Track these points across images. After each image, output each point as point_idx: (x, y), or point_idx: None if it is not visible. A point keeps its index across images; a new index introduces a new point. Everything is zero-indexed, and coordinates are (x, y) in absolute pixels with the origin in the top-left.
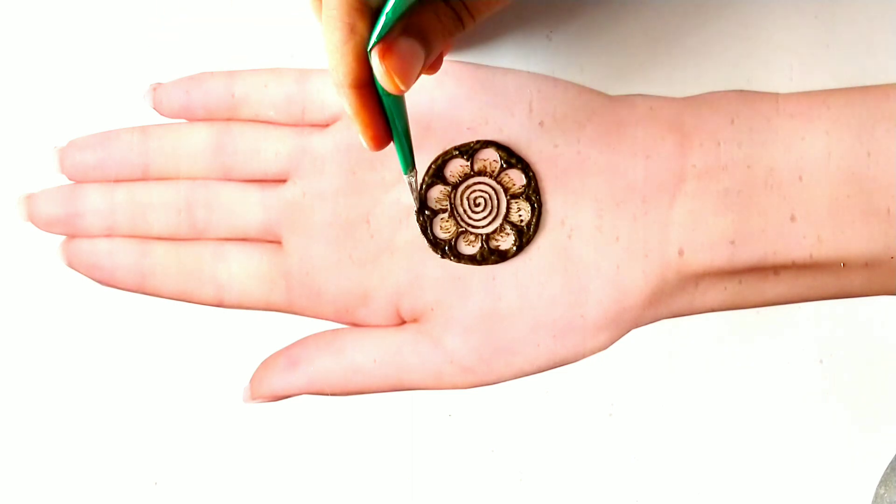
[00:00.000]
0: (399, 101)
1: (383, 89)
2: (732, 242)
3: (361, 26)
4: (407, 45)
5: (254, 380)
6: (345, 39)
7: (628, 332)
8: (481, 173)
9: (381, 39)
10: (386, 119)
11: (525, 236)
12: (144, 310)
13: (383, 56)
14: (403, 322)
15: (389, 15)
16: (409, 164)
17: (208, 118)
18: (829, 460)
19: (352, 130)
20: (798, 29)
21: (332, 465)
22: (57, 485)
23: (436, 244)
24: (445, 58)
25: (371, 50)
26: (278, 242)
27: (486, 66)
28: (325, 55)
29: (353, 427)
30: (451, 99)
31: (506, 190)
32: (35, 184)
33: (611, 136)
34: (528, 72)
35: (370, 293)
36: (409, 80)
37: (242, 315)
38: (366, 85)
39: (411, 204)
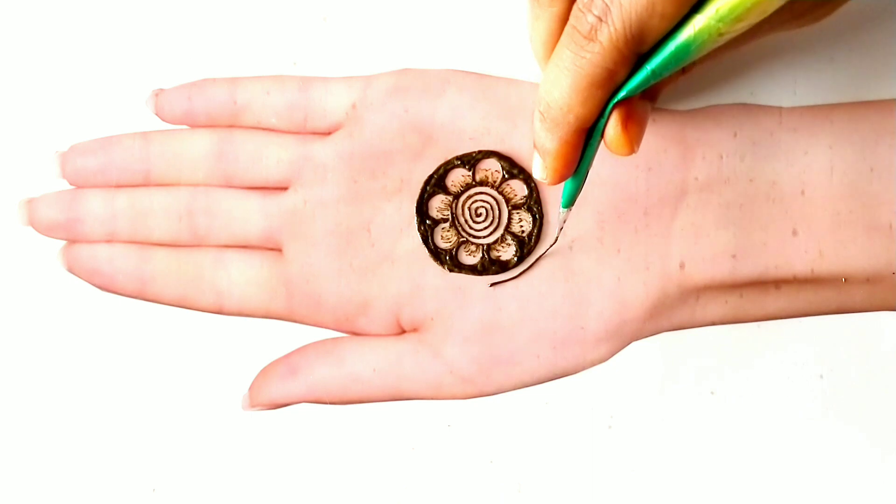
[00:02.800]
0: (598, 144)
1: (598, 134)
2: (734, 256)
3: (622, 75)
4: (643, 108)
5: (253, 387)
6: (598, 84)
7: (629, 344)
8: (483, 183)
9: (621, 101)
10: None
11: (526, 247)
12: (144, 316)
13: (626, 122)
14: (403, 331)
15: (655, 74)
16: (573, 201)
17: (210, 125)
18: (828, 475)
19: (354, 139)
20: (802, 43)
21: (330, 474)
22: (56, 491)
23: (437, 254)
24: (448, 67)
25: (613, 108)
26: (279, 250)
27: (490, 75)
28: (547, 84)
29: (352, 436)
30: (453, 108)
31: (507, 200)
32: (35, 188)
33: None
34: (532, 82)
35: (370, 302)
36: (639, 143)
37: (242, 322)
38: (587, 129)
39: (412, 213)
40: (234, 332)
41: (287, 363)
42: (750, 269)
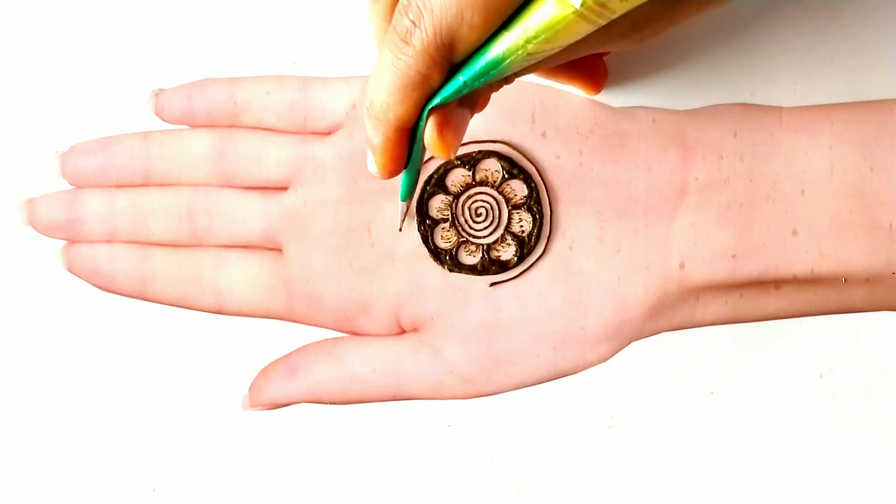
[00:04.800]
0: (423, 144)
1: (421, 132)
2: (734, 256)
3: (435, 80)
4: (461, 114)
5: (253, 387)
6: (413, 87)
7: (629, 344)
8: (483, 183)
9: (438, 106)
10: (406, 154)
11: (526, 247)
12: (144, 316)
13: (441, 127)
14: (403, 331)
15: (467, 85)
16: (411, 192)
17: (210, 125)
18: (828, 475)
19: (354, 139)
20: (802, 43)
21: (330, 473)
22: (56, 491)
23: (437, 254)
24: None
25: (429, 113)
26: (279, 250)
27: None
28: (370, 84)
29: (351, 436)
30: None
31: (507, 200)
32: (36, 188)
33: (613, 148)
34: (532, 83)
35: (370, 302)
36: (457, 148)
37: (242, 322)
38: (409, 127)
39: (412, 213)
40: (234, 332)
41: (287, 363)
42: (750, 269)
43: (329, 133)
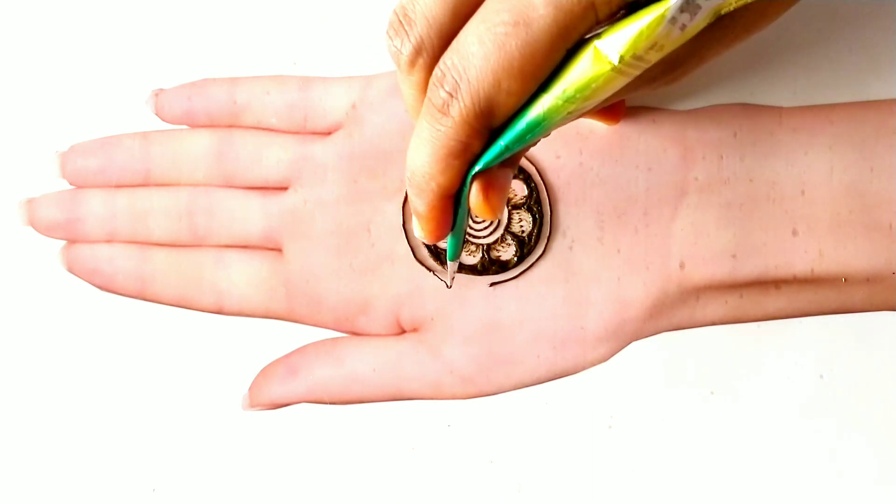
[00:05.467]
0: (468, 208)
1: (465, 196)
2: (734, 256)
3: (476, 147)
4: (503, 175)
5: (253, 387)
6: (454, 156)
7: (629, 344)
8: None
9: (481, 171)
10: (451, 218)
11: (526, 247)
12: (144, 316)
13: (486, 190)
14: (403, 331)
15: (509, 148)
16: (457, 254)
17: (210, 125)
18: (828, 475)
19: (354, 139)
20: (802, 43)
21: (330, 474)
22: (55, 491)
23: (437, 254)
24: None
25: (473, 178)
26: (279, 250)
27: None
28: (410, 152)
29: (351, 436)
30: None
31: (507, 200)
32: (36, 188)
33: (613, 148)
34: None
35: (370, 302)
36: (502, 209)
37: (242, 322)
38: (453, 194)
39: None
40: (234, 332)
41: (287, 363)
42: (750, 269)
43: (329, 133)
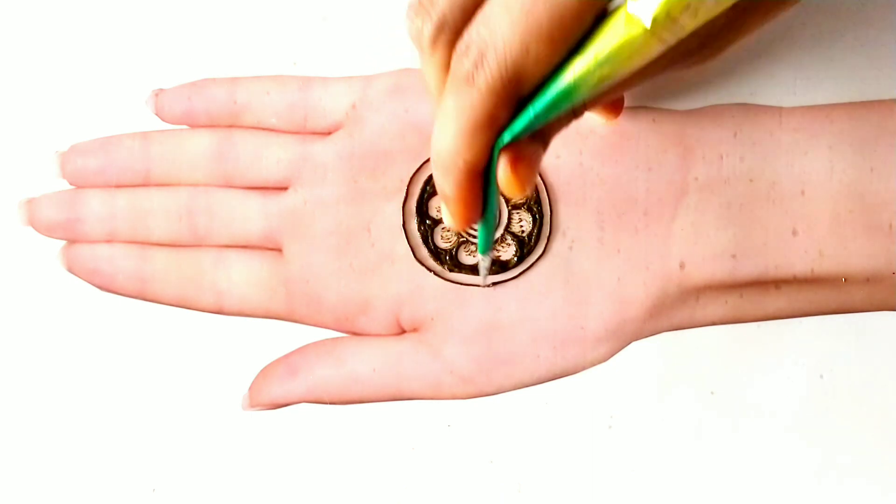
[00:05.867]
0: (497, 187)
1: (494, 176)
2: (734, 256)
3: (503, 118)
4: (533, 150)
5: (253, 387)
6: (481, 128)
7: (629, 344)
8: None
9: (509, 144)
10: (481, 201)
11: (526, 247)
12: (144, 316)
13: (513, 164)
14: (403, 331)
15: (539, 118)
16: (489, 247)
17: (210, 125)
18: (828, 475)
19: (354, 139)
20: (802, 43)
21: (330, 474)
22: (55, 491)
23: (437, 254)
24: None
25: (500, 152)
26: (279, 250)
27: None
28: (436, 130)
29: (351, 436)
30: None
31: (507, 200)
32: (35, 188)
33: (613, 148)
34: None
35: (370, 302)
36: (532, 185)
37: (242, 322)
38: (481, 172)
39: (411, 213)
40: (234, 332)
41: (287, 363)
42: (750, 269)
43: (329, 133)
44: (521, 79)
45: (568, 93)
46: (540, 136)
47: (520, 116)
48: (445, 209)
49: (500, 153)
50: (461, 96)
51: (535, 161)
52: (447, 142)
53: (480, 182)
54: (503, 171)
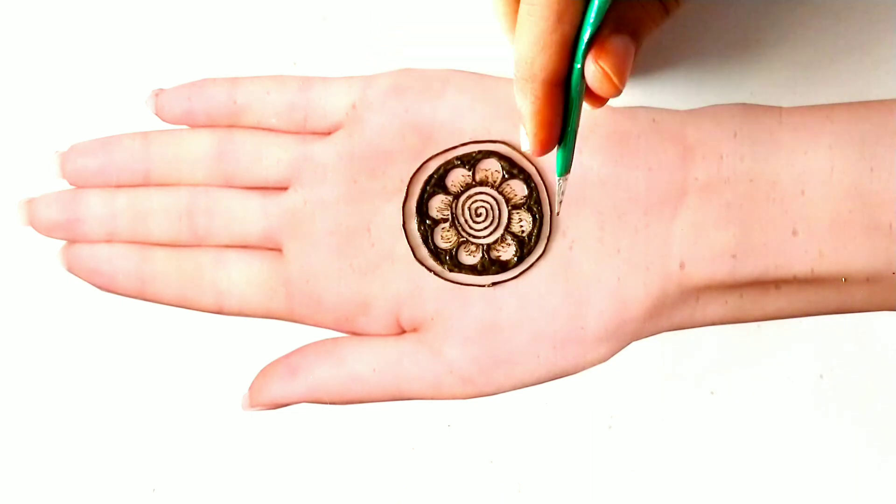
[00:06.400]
0: (581, 103)
1: (574, 91)
2: (734, 256)
3: (571, 14)
4: (621, 42)
5: (253, 387)
6: (551, 29)
7: (628, 344)
8: (483, 183)
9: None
10: (560, 122)
11: (526, 247)
12: (144, 316)
13: (598, 56)
14: (403, 331)
15: (602, 4)
16: (568, 167)
17: (210, 125)
18: (828, 475)
19: (354, 139)
20: (802, 42)
21: (330, 473)
22: (55, 491)
23: (437, 254)
24: (448, 67)
25: (584, 55)
26: (279, 250)
27: (490, 75)
28: (514, 44)
29: (351, 436)
30: (453, 108)
31: (507, 200)
32: (35, 188)
33: (613, 148)
34: None
35: (370, 302)
36: (625, 80)
37: (242, 322)
38: (560, 83)
39: (411, 213)
40: (235, 333)
41: (287, 363)
42: (750, 269)
43: (329, 133)
44: None
45: None
46: (628, 29)
47: (589, 8)
48: (523, 133)
49: (585, 52)
50: (526, 3)
51: (624, 53)
52: (523, 51)
53: (559, 96)
54: (590, 66)
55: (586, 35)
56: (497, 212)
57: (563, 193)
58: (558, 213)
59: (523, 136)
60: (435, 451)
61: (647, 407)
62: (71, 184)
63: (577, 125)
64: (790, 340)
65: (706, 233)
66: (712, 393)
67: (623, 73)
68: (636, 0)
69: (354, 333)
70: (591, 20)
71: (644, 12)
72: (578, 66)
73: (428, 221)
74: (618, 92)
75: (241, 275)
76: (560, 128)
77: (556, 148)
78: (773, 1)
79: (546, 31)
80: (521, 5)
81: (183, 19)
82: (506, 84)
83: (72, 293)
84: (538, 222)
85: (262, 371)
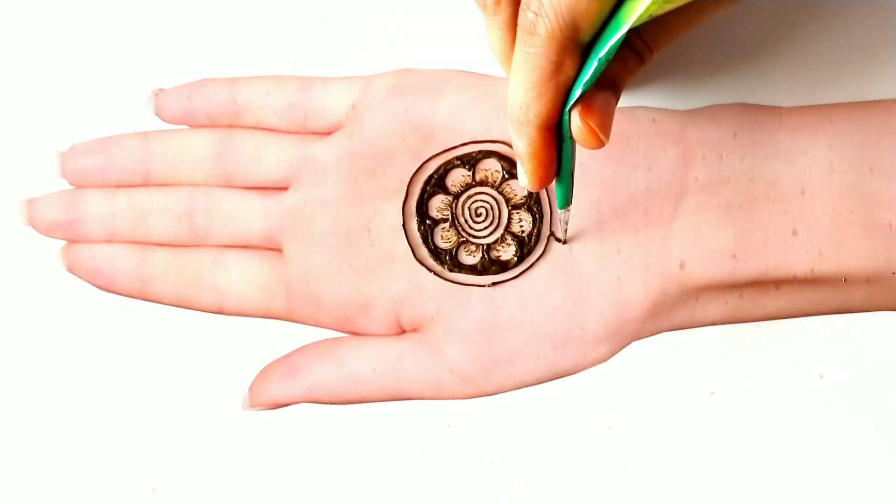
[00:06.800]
0: (575, 145)
1: (567, 134)
2: (734, 256)
3: (569, 66)
4: (604, 99)
5: (253, 387)
6: (548, 77)
7: (628, 344)
8: (483, 183)
9: (583, 96)
10: (556, 161)
11: (526, 247)
12: (144, 316)
13: (584, 114)
14: (403, 331)
15: (602, 64)
16: (569, 200)
17: (210, 125)
18: (828, 475)
19: (354, 139)
20: (802, 43)
21: (330, 474)
22: (56, 491)
23: (437, 254)
24: (448, 67)
25: (571, 107)
26: (279, 250)
27: (490, 75)
28: (509, 88)
29: (351, 436)
30: (453, 108)
31: (507, 200)
32: (36, 188)
33: (613, 148)
34: None
35: (370, 302)
36: (608, 134)
37: (242, 322)
38: (553, 127)
39: (411, 213)
40: (235, 333)
41: (287, 363)
42: (750, 269)
43: (329, 133)
44: (578, 22)
45: (622, 27)
46: (610, 84)
47: (585, 67)
48: (521, 169)
49: (571, 108)
50: (526, 47)
51: (607, 109)
52: (518, 96)
53: (553, 139)
54: (576, 122)
55: (577, 92)
56: (497, 212)
57: (567, 223)
58: (565, 242)
59: (521, 173)
60: (435, 451)
61: (647, 407)
62: (71, 184)
63: (573, 163)
64: (790, 341)
65: (706, 233)
66: (712, 393)
67: (607, 128)
68: (616, 57)
69: (354, 333)
70: (586, 80)
71: (622, 65)
72: (567, 111)
73: (428, 221)
74: (602, 145)
75: (241, 275)
76: (556, 166)
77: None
78: (773, 2)
79: (542, 80)
80: (517, 50)
81: (183, 19)
82: (505, 84)
83: (72, 293)
84: (538, 222)
85: (262, 371)
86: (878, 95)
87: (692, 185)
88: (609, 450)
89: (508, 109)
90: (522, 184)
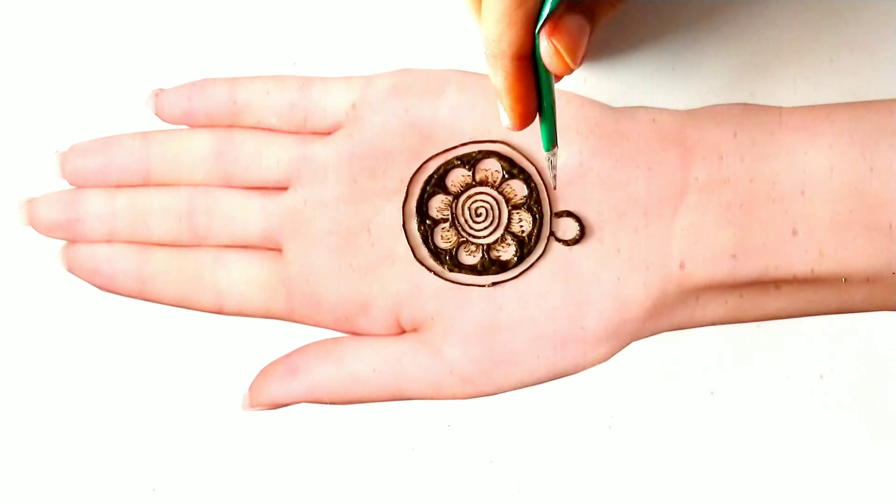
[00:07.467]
0: (552, 76)
1: (542, 64)
2: (734, 256)
3: None
4: (574, 21)
5: (253, 387)
6: (515, 6)
7: (628, 344)
8: (483, 183)
9: (548, 16)
10: (535, 96)
11: (526, 247)
12: (144, 316)
13: (552, 34)
14: (403, 331)
15: None
16: (554, 141)
17: (210, 125)
18: (828, 475)
19: (354, 139)
20: (802, 42)
21: (330, 474)
22: (56, 491)
23: (436, 254)
24: (448, 67)
25: (539, 28)
26: (279, 250)
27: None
28: (481, 24)
29: (351, 436)
30: (453, 108)
31: (507, 200)
32: (35, 188)
33: (613, 148)
34: None
35: (370, 302)
36: (577, 58)
37: (242, 322)
38: (527, 57)
39: (411, 213)
40: (235, 333)
41: (287, 363)
42: (750, 269)
43: (329, 133)
44: None
45: None
46: (583, 8)
47: None
48: (502, 109)
49: (539, 29)
50: None
51: (578, 33)
52: (490, 29)
53: (529, 70)
54: (544, 44)
55: (545, 12)
56: (497, 212)
57: (555, 168)
58: (555, 188)
59: (502, 112)
60: (435, 451)
61: (647, 407)
62: (71, 184)
63: (553, 98)
64: (790, 340)
65: (706, 233)
66: (712, 393)
67: (575, 52)
68: None
69: (354, 333)
70: (548, 4)
71: None
72: (537, 37)
73: (428, 221)
74: (569, 70)
75: (241, 275)
76: (535, 101)
77: (538, 122)
78: (773, 1)
79: (510, 8)
80: None
81: (183, 19)
82: None
83: (72, 293)
84: (538, 222)
85: (262, 371)
86: (878, 95)
87: (692, 185)
88: (609, 450)
89: (482, 46)
90: (504, 124)
